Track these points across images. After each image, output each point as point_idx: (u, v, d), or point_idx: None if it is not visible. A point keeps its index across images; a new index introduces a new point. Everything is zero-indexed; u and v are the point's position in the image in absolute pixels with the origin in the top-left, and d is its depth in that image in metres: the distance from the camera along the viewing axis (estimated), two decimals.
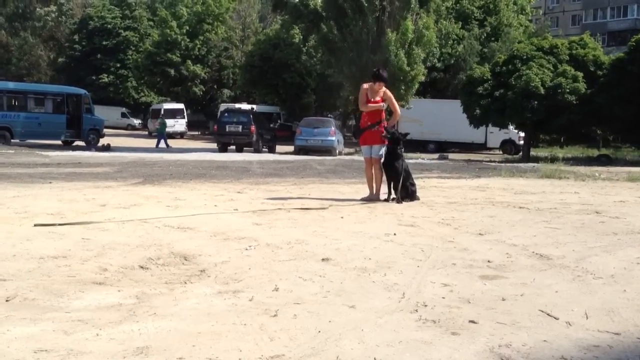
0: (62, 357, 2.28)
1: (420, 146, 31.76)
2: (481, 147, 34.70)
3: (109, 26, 53.36)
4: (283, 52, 41.16)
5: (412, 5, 25.77)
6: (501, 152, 33.82)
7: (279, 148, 27.06)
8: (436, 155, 26.15)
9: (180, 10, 45.91)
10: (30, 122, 23.39)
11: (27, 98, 24.44)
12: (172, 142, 30.83)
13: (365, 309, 2.95)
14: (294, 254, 4.15)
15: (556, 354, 2.41)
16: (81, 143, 25.06)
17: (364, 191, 7.83)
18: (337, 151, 23.39)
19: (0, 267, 3.53)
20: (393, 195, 7.21)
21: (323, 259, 3.98)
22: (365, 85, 7.48)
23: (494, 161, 22.98)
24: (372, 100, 7.33)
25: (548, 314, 2.91)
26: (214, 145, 27.21)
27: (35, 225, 4.85)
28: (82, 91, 26.78)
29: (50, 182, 8.50)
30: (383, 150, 7.42)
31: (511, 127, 28.93)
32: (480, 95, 25.24)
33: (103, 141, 25.40)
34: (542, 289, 3.38)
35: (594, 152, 29.40)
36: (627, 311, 2.99)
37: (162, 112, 39.52)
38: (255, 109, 31.11)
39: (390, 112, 7.83)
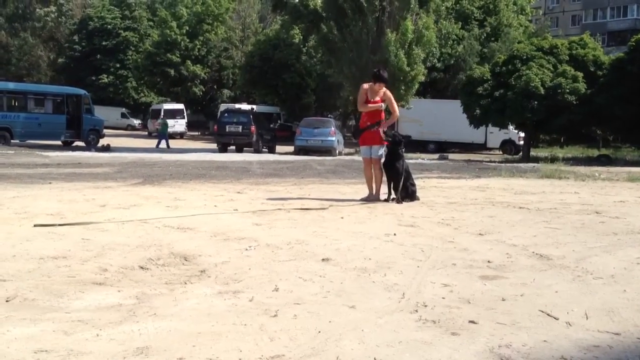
0: (62, 358, 2.28)
1: (420, 146, 31.78)
2: (481, 147, 34.70)
3: (108, 26, 53.39)
4: (283, 52, 41.17)
5: (412, 6, 25.78)
6: (501, 152, 33.83)
7: (279, 148, 27.06)
8: (436, 156, 26.15)
9: (180, 10, 45.93)
10: (30, 122, 23.39)
11: (27, 98, 24.44)
12: (172, 143, 30.85)
13: (366, 309, 2.95)
14: (294, 254, 4.15)
15: (556, 354, 2.41)
16: (81, 143, 25.06)
17: (364, 191, 7.83)
18: (337, 151, 23.40)
19: (0, 268, 3.53)
20: (393, 196, 7.21)
21: (323, 259, 3.98)
22: (365, 86, 7.48)
23: (494, 161, 22.99)
24: (372, 100, 7.33)
25: (548, 314, 2.91)
26: (214, 146, 27.22)
27: (35, 225, 4.85)
28: (82, 91, 26.79)
29: (50, 183, 8.50)
30: (382, 151, 7.43)
31: (511, 127, 28.93)
32: (480, 96, 25.25)
33: (103, 141, 25.42)
34: (542, 289, 3.38)
35: (594, 152, 29.41)
36: (627, 311, 2.99)
37: (162, 112, 39.59)
38: (255, 109, 31.12)
39: (390, 112, 7.82)
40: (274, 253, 4.16)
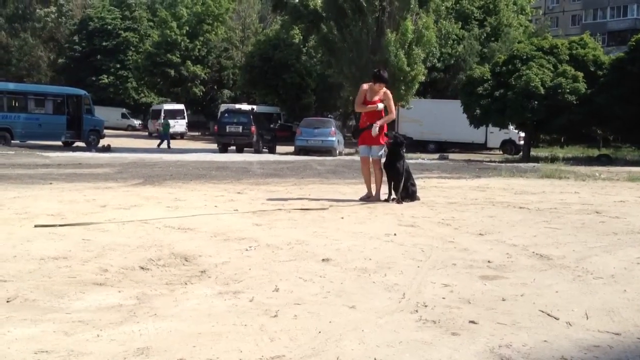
0: (63, 358, 2.29)
1: (421, 146, 31.78)
2: (481, 147, 34.71)
3: (109, 27, 53.42)
4: (283, 52, 41.18)
5: (412, 6, 25.79)
6: (501, 152, 33.83)
7: (279, 148, 27.06)
8: (436, 156, 26.15)
9: (180, 10, 45.95)
10: (31, 123, 23.40)
11: (28, 99, 24.46)
12: (173, 143, 30.87)
13: (366, 309, 2.95)
14: (294, 254, 4.15)
15: (556, 354, 2.41)
16: (81, 144, 25.08)
17: (364, 191, 7.84)
18: (338, 151, 23.40)
19: (1, 268, 3.53)
20: (393, 196, 7.21)
21: (323, 260, 3.98)
22: (365, 86, 7.47)
23: (494, 161, 22.98)
24: (371, 100, 7.31)
25: (548, 314, 2.91)
26: (214, 146, 27.23)
27: (35, 226, 4.86)
28: (82, 92, 26.81)
29: (50, 183, 8.51)
30: (383, 151, 7.42)
31: (511, 127, 28.94)
32: (480, 96, 25.25)
33: (103, 142, 25.43)
34: (542, 289, 3.38)
35: (594, 152, 29.40)
36: (628, 311, 2.99)
37: (163, 113, 39.66)
38: (255, 109, 31.13)
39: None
40: (274, 253, 4.16)
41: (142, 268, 3.69)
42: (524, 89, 23.84)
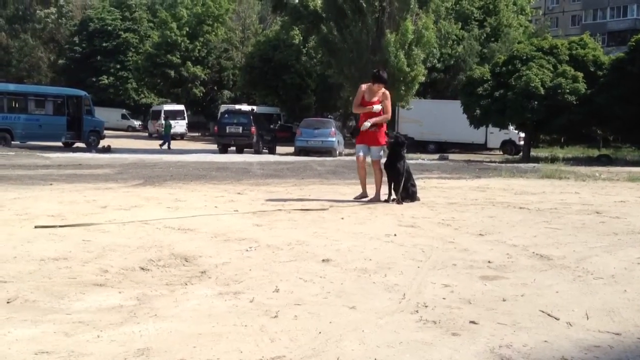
0: (63, 359, 2.29)
1: (421, 147, 31.78)
2: (481, 147, 34.70)
3: (109, 28, 53.44)
4: (283, 53, 41.20)
5: (412, 6, 25.79)
6: (501, 153, 33.83)
7: (279, 149, 27.06)
8: (436, 156, 26.15)
9: (180, 11, 45.98)
10: (31, 123, 23.41)
11: (28, 100, 24.46)
12: (172, 144, 30.89)
13: (366, 309, 2.95)
14: (295, 255, 4.15)
15: (557, 355, 2.41)
16: (82, 145, 25.08)
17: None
18: (338, 152, 23.41)
19: (1, 269, 3.53)
20: (393, 196, 7.21)
21: (323, 260, 3.98)
22: (364, 87, 7.44)
23: (494, 161, 22.98)
24: (369, 101, 7.29)
25: (549, 315, 2.91)
26: (214, 147, 27.23)
27: (36, 227, 4.86)
28: (83, 93, 26.82)
29: (50, 184, 8.51)
30: (382, 152, 7.42)
31: (511, 127, 28.93)
32: (480, 96, 25.25)
33: (103, 143, 25.43)
34: (542, 289, 3.38)
35: (594, 152, 29.40)
36: (628, 311, 2.99)
37: (163, 113, 39.70)
38: (255, 110, 31.13)
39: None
40: (274, 254, 4.16)
41: (142, 269, 3.68)
42: (524, 89, 23.84)
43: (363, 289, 3.34)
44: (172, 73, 44.52)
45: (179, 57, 44.69)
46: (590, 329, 2.74)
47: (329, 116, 40.53)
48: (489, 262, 4.03)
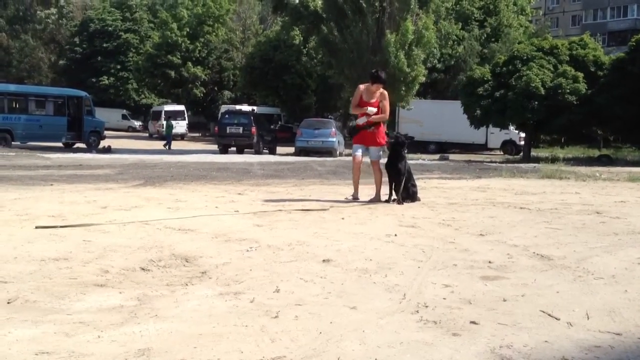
0: (64, 359, 2.29)
1: (421, 147, 31.77)
2: (482, 147, 34.70)
3: (109, 28, 53.46)
4: (283, 53, 41.22)
5: (412, 6, 25.79)
6: (502, 153, 33.83)
7: (279, 149, 27.06)
8: (437, 156, 26.17)
9: (181, 12, 46.00)
10: (31, 124, 23.43)
11: (28, 100, 24.49)
12: (173, 144, 30.91)
13: (367, 310, 2.95)
14: (295, 255, 4.15)
15: (557, 355, 2.41)
16: (82, 145, 25.10)
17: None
18: (338, 152, 23.41)
19: (2, 270, 3.53)
20: (394, 196, 7.21)
21: (324, 260, 3.98)
22: (362, 87, 7.40)
23: (495, 162, 22.98)
24: (368, 101, 7.26)
25: (549, 315, 2.91)
26: (215, 147, 27.24)
27: (36, 227, 4.86)
28: (83, 93, 26.84)
29: (51, 184, 8.51)
30: (381, 152, 7.41)
31: (512, 127, 28.94)
32: (481, 96, 25.26)
33: (104, 143, 25.45)
34: (543, 289, 3.38)
35: (595, 153, 29.39)
36: (628, 311, 2.99)
37: (164, 114, 39.74)
38: (255, 110, 31.15)
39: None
40: (275, 254, 4.16)
41: (142, 269, 3.69)
42: (524, 89, 23.85)
43: (364, 289, 3.34)
44: (173, 73, 44.54)
45: (179, 57, 44.71)
46: (590, 329, 2.74)
47: (330, 116, 40.52)
48: (489, 262, 4.03)
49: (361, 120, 7.31)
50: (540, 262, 4.08)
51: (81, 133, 25.10)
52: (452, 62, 37.64)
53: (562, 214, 6.42)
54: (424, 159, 22.29)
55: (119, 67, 52.67)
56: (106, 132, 27.73)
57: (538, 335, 2.62)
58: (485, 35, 39.68)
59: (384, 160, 7.47)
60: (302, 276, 3.58)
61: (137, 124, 52.82)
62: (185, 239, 4.61)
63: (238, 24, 50.84)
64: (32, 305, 2.93)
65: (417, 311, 2.94)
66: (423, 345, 2.48)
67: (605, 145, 35.29)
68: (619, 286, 3.48)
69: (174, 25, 44.89)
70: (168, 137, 30.07)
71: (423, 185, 9.05)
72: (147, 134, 46.17)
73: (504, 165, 19.05)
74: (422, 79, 27.58)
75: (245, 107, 32.79)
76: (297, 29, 36.90)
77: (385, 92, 7.40)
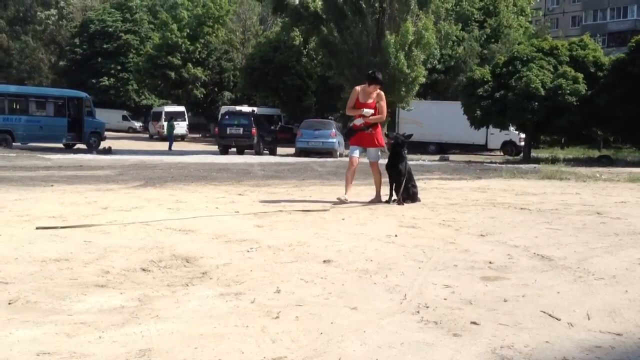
0: None
1: (421, 147, 31.79)
2: (482, 148, 34.72)
3: (109, 29, 53.48)
4: (283, 54, 41.23)
5: (412, 7, 25.80)
6: (502, 153, 33.85)
7: (279, 150, 27.07)
8: (437, 157, 26.17)
9: (181, 13, 46.02)
10: (32, 125, 23.43)
11: (29, 101, 24.50)
12: (173, 145, 30.89)
13: (367, 310, 2.95)
14: (296, 255, 4.15)
15: (558, 355, 2.41)
16: (82, 146, 25.11)
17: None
18: (338, 153, 23.42)
19: (3, 270, 3.53)
20: (394, 197, 7.21)
21: (324, 261, 3.98)
22: (358, 88, 7.34)
23: (495, 162, 22.99)
24: (364, 102, 7.22)
25: (550, 315, 2.91)
26: (215, 148, 27.25)
27: (37, 228, 4.86)
28: (83, 94, 26.85)
29: (51, 185, 8.51)
30: (379, 153, 7.39)
31: (512, 128, 28.96)
32: (481, 97, 25.28)
33: (104, 144, 25.45)
34: (543, 290, 3.38)
35: (595, 153, 29.40)
36: (629, 312, 2.99)
37: (164, 115, 39.74)
38: (256, 111, 31.14)
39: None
40: (275, 255, 4.16)
41: (143, 270, 3.69)
42: (524, 90, 23.86)
43: (364, 289, 3.34)
44: (173, 74, 44.55)
45: (179, 58, 44.72)
46: (591, 329, 2.74)
47: (330, 117, 40.50)
48: (490, 262, 4.03)
49: (358, 122, 7.27)
50: (541, 262, 4.08)
51: (81, 134, 25.11)
52: (452, 63, 37.67)
53: (563, 214, 6.42)
54: (424, 160, 22.29)
55: (119, 68, 52.68)
56: (106, 133, 27.74)
57: (539, 336, 2.62)
58: (485, 36, 39.72)
59: (383, 161, 7.46)
60: (303, 277, 3.58)
61: (137, 125, 52.82)
62: (185, 239, 4.61)
63: (238, 25, 50.84)
64: (33, 306, 2.93)
65: (418, 312, 2.94)
66: (424, 346, 2.48)
67: (606, 145, 35.30)
68: (619, 286, 3.48)
69: (174, 26, 44.91)
70: (169, 137, 30.07)
71: (423, 186, 9.05)
72: (147, 135, 46.17)
73: (504, 166, 19.05)
74: (422, 79, 27.59)
75: (246, 108, 32.79)
76: (297, 29, 36.92)
77: (382, 93, 7.34)
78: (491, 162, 22.78)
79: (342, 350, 2.42)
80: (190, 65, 45.10)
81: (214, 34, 46.71)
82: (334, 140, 23.39)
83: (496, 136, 33.00)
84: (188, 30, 45.56)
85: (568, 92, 23.54)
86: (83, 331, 2.59)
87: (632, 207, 7.30)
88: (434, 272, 3.75)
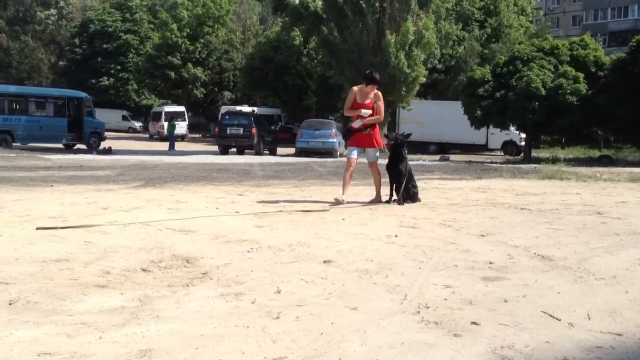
0: None
1: (422, 147, 31.79)
2: (482, 148, 34.71)
3: (109, 29, 53.46)
4: (284, 54, 41.22)
5: (412, 7, 25.80)
6: (502, 153, 33.83)
7: (280, 150, 27.07)
8: (437, 157, 26.16)
9: (181, 13, 45.99)
10: (32, 125, 23.43)
11: (28, 101, 24.50)
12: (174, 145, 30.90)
13: (367, 310, 2.95)
14: (296, 256, 4.15)
15: (559, 355, 2.41)
16: (82, 146, 25.11)
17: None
18: (338, 153, 23.42)
19: (3, 271, 3.54)
20: (394, 197, 7.20)
21: (325, 261, 3.98)
22: (355, 89, 7.32)
23: (495, 162, 22.99)
24: (361, 103, 7.17)
25: (550, 315, 2.91)
26: (215, 148, 27.25)
27: (37, 228, 4.86)
28: (83, 94, 26.85)
29: (51, 186, 8.51)
30: (378, 153, 7.38)
31: (512, 128, 28.94)
32: (481, 97, 25.27)
33: (104, 144, 25.45)
34: (544, 290, 3.38)
35: (595, 153, 29.39)
36: (629, 312, 2.99)
37: (164, 115, 39.73)
38: (256, 111, 31.11)
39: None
40: (275, 255, 4.17)
41: (143, 270, 3.69)
42: (525, 90, 23.85)
43: (364, 290, 3.34)
44: (173, 74, 44.54)
45: (179, 58, 44.71)
46: (591, 329, 2.74)
47: (330, 117, 40.51)
48: (490, 263, 4.03)
49: (357, 124, 7.22)
50: (541, 262, 4.08)
51: (81, 134, 25.11)
52: (453, 63, 37.65)
53: (563, 214, 6.42)
54: (424, 160, 22.29)
55: (119, 68, 52.67)
56: (106, 133, 27.73)
57: (539, 336, 2.62)
58: (485, 36, 39.70)
59: (382, 162, 7.46)
60: (303, 277, 3.58)
61: (137, 125, 52.81)
62: (186, 240, 4.61)
63: (238, 25, 50.83)
64: (34, 306, 2.94)
65: (418, 312, 2.94)
66: (424, 346, 2.48)
67: (606, 145, 35.28)
68: (620, 287, 3.48)
69: (174, 26, 44.88)
70: (170, 137, 30.02)
71: (424, 185, 9.05)
72: (147, 135, 46.16)
73: (504, 165, 19.05)
74: (423, 79, 27.59)
75: (246, 108, 32.78)
76: (297, 29, 36.90)
77: (380, 93, 7.31)
78: (492, 162, 22.78)
79: (342, 351, 2.42)
80: (190, 65, 45.10)
81: (214, 34, 46.70)
82: (334, 140, 23.39)
83: (496, 136, 32.99)
84: (188, 30, 45.54)
85: (569, 91, 23.53)
86: (84, 331, 2.59)
87: (632, 207, 7.30)
88: (434, 273, 3.75)
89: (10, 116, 23.18)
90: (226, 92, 49.34)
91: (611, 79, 23.77)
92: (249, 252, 4.24)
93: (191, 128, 46.36)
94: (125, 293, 3.19)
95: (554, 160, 20.07)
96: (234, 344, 2.47)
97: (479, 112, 25.37)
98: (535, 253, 4.35)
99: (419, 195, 7.40)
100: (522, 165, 18.99)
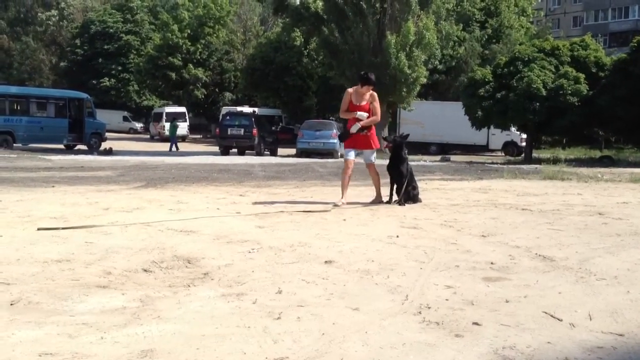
0: None
1: (422, 148, 31.79)
2: (483, 148, 34.70)
3: (110, 30, 53.51)
4: (284, 55, 41.25)
5: (413, 7, 25.81)
6: (503, 154, 33.82)
7: (280, 151, 27.08)
8: (438, 157, 26.16)
9: (182, 13, 46.03)
10: (33, 126, 23.46)
11: (30, 102, 24.52)
12: (174, 146, 30.89)
13: (369, 311, 2.95)
14: (297, 256, 4.15)
15: (560, 356, 2.41)
16: (83, 147, 25.12)
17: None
18: (339, 154, 23.40)
19: (4, 271, 3.54)
20: (395, 198, 7.20)
21: (326, 262, 3.98)
22: (350, 90, 7.24)
23: (496, 163, 22.97)
24: (357, 104, 7.11)
25: (552, 316, 2.91)
26: (216, 149, 27.25)
27: (38, 229, 4.87)
28: (84, 95, 26.87)
29: (53, 186, 8.52)
30: (375, 155, 7.36)
31: (513, 128, 28.92)
32: (482, 97, 25.25)
33: (105, 145, 25.46)
34: (545, 290, 3.38)
35: (597, 154, 29.37)
36: (631, 312, 2.99)
37: (165, 115, 39.74)
38: (257, 112, 31.12)
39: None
40: (276, 255, 4.17)
41: (145, 270, 3.69)
42: (526, 90, 23.84)
43: (366, 290, 3.34)
44: (174, 75, 44.58)
45: (180, 59, 44.75)
46: (593, 330, 2.73)
47: (331, 118, 40.51)
48: (491, 263, 4.03)
49: (354, 128, 7.14)
50: (543, 263, 4.07)
51: (82, 135, 25.13)
52: (453, 64, 37.66)
53: (564, 215, 6.41)
54: (425, 160, 22.29)
55: (119, 68, 52.70)
56: (107, 134, 27.75)
57: (541, 336, 2.62)
58: (486, 37, 39.71)
59: (382, 162, 7.44)
60: (304, 277, 3.58)
61: (138, 125, 52.84)
62: (187, 240, 4.62)
63: (239, 26, 50.85)
64: (35, 306, 2.94)
65: (420, 312, 2.94)
66: (425, 347, 2.48)
67: (607, 146, 35.25)
68: (621, 287, 3.47)
69: (175, 27, 44.92)
70: (172, 138, 30.02)
71: (425, 186, 9.05)
72: (148, 136, 46.20)
73: (505, 166, 19.03)
74: (423, 80, 27.60)
75: (247, 109, 32.82)
76: (298, 30, 36.94)
77: (375, 94, 7.22)
78: (492, 163, 22.76)
79: (343, 351, 2.42)
80: (191, 65, 45.13)
81: (215, 35, 46.73)
82: (335, 141, 23.34)
83: (497, 137, 32.98)
84: (189, 31, 45.58)
85: (569, 92, 23.52)
86: (85, 332, 2.59)
87: (633, 207, 7.29)
88: (435, 273, 3.75)
89: (11, 117, 23.21)
90: (227, 93, 49.37)
91: (612, 80, 23.76)
92: (250, 252, 4.24)
93: (192, 129, 46.37)
94: (126, 293, 3.19)
95: (555, 161, 20.01)
96: (235, 344, 2.47)
97: (479, 112, 25.37)
98: (536, 253, 4.35)
99: (420, 196, 7.39)
100: (523, 166, 18.97)
